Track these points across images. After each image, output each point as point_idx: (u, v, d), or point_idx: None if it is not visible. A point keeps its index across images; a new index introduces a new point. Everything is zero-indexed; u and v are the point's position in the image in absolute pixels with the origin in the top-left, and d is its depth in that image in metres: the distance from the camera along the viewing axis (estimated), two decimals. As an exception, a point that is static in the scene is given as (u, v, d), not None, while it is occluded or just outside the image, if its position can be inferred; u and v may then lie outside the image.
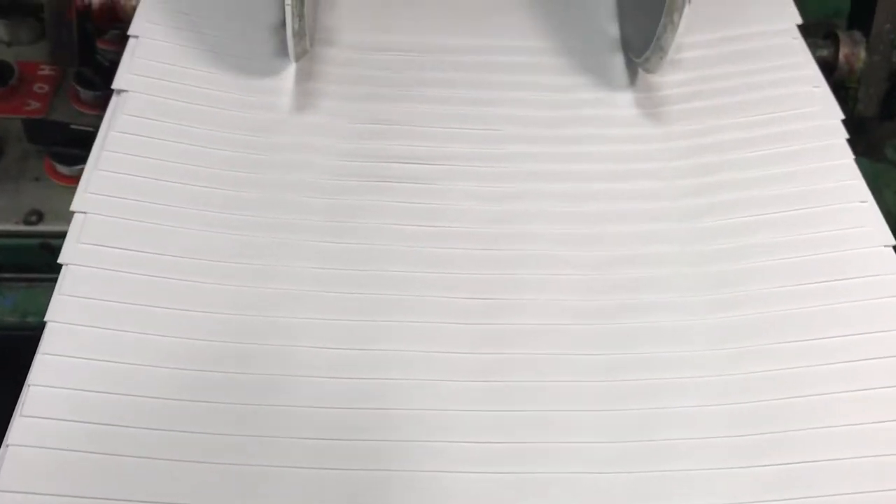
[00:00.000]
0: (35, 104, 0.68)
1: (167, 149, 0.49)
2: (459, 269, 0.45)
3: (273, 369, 0.41)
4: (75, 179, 0.60)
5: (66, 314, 0.41)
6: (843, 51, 0.60)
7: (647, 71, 0.53)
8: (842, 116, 0.53)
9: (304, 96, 0.53)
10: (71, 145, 0.63)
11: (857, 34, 0.61)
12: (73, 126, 0.63)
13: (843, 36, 0.61)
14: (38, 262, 0.62)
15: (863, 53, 0.60)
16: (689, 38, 0.56)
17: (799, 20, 0.59)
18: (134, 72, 0.52)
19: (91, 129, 0.57)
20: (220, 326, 0.42)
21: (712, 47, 0.58)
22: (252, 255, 0.45)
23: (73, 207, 0.46)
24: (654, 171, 0.51)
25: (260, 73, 0.54)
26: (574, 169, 0.50)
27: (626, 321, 0.43)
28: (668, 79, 0.55)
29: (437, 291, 0.44)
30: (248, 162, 0.49)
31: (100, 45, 0.65)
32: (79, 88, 0.67)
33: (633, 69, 0.57)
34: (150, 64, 0.53)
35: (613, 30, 0.60)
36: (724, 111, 0.54)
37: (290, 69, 0.55)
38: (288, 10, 0.47)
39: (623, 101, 0.55)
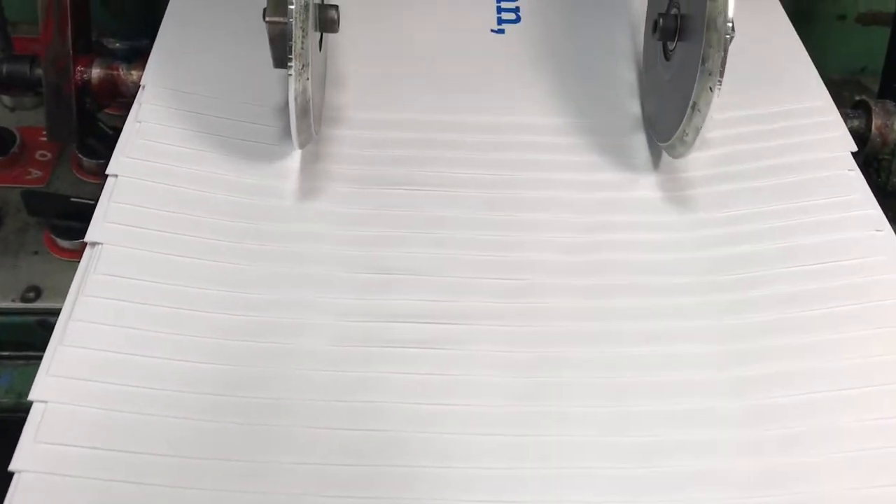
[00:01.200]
0: (37, 173, 0.66)
1: (144, 314, 0.42)
2: (479, 462, 0.39)
3: None
4: (76, 253, 0.58)
5: None
6: (876, 122, 0.57)
7: (672, 156, 0.50)
8: None
9: (305, 237, 0.47)
10: (71, 218, 0.61)
11: (891, 104, 0.58)
12: (73, 199, 0.61)
13: (875, 106, 0.58)
14: (36, 339, 0.60)
15: (897, 125, 0.57)
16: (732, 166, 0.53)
17: (854, 147, 0.54)
18: (110, 220, 0.46)
19: (92, 201, 0.55)
20: None
21: (759, 176, 0.52)
22: (239, 451, 0.38)
23: (31, 396, 0.39)
24: (695, 332, 0.44)
25: (258, 209, 0.48)
26: (607, 329, 0.44)
27: None
28: (706, 233, 0.49)
29: (452, 493, 0.38)
30: (237, 328, 0.43)
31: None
32: (81, 157, 0.65)
33: (656, 152, 0.53)
34: (129, 209, 0.46)
35: (635, 107, 0.57)
36: (776, 258, 0.47)
37: (293, 186, 0.50)
38: (293, 113, 0.44)
39: (655, 240, 0.49)
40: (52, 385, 0.39)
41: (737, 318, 0.45)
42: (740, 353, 0.43)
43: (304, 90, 0.44)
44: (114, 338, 0.41)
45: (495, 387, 0.42)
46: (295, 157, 0.51)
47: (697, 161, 0.52)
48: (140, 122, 0.51)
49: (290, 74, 0.43)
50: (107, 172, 0.48)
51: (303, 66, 0.44)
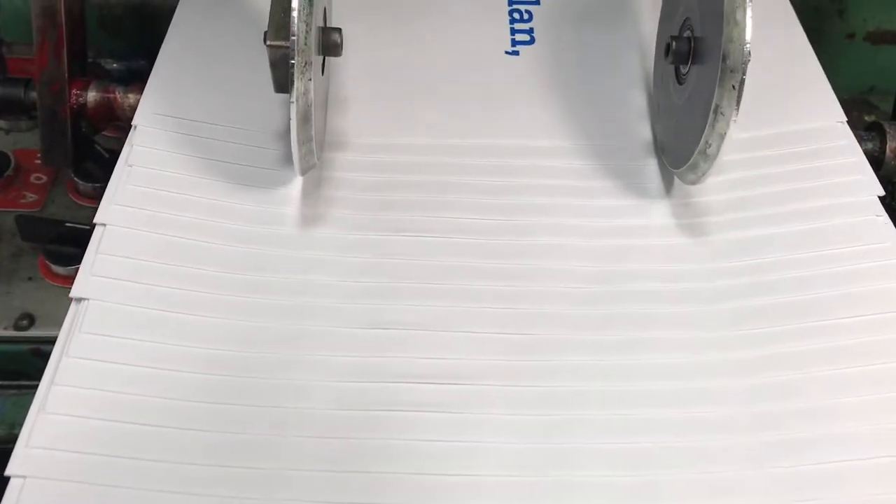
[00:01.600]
0: (32, 196, 0.65)
1: (133, 377, 0.39)
2: None
3: None
4: (71, 280, 0.57)
5: None
6: (891, 144, 0.56)
7: (691, 179, 0.48)
8: None
9: (303, 289, 0.45)
10: (66, 243, 0.59)
11: (905, 126, 0.57)
12: (68, 224, 0.60)
13: (889, 128, 0.56)
14: (29, 368, 0.58)
15: (912, 147, 0.56)
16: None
17: (881, 191, 0.51)
18: (97, 273, 0.43)
19: (88, 226, 0.54)
20: None
21: (782, 222, 0.49)
22: None
23: (9, 471, 0.36)
24: (719, 393, 0.42)
25: (254, 258, 0.46)
26: (625, 389, 0.41)
27: None
28: (728, 284, 0.46)
29: None
30: (229, 390, 0.40)
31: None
32: (77, 180, 0.64)
33: (673, 193, 0.51)
34: (118, 261, 0.44)
35: (645, 130, 0.54)
36: (804, 311, 0.45)
37: (293, 229, 0.47)
38: (294, 141, 0.42)
39: (673, 290, 0.46)
40: (32, 458, 0.36)
41: (764, 377, 0.42)
42: (768, 417, 0.41)
43: (307, 91, 0.41)
44: (100, 404, 0.38)
45: (505, 454, 0.39)
46: (294, 203, 0.49)
47: (716, 204, 0.50)
48: (131, 165, 0.49)
49: (292, 71, 0.40)
50: (94, 221, 0.46)
51: (305, 63, 0.41)
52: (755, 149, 0.52)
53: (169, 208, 0.47)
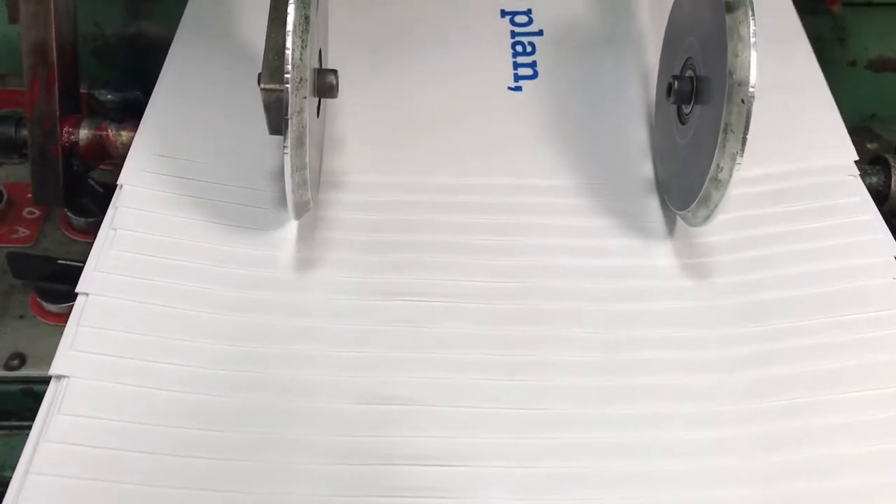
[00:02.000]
0: (24, 231, 0.64)
1: (115, 464, 0.38)
2: None
3: None
4: (63, 318, 0.56)
5: None
6: (896, 178, 0.55)
7: (699, 216, 0.46)
8: None
9: (293, 361, 0.43)
10: (58, 281, 0.58)
11: (910, 160, 0.56)
12: (60, 261, 0.59)
13: (894, 162, 0.56)
14: (20, 408, 0.57)
15: (917, 181, 0.55)
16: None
17: (895, 252, 0.49)
18: (78, 348, 0.41)
19: (80, 263, 0.53)
20: None
21: (795, 285, 0.48)
22: None
23: None
24: (737, 472, 0.40)
25: (242, 328, 0.44)
26: (638, 469, 0.40)
27: None
28: (741, 353, 0.45)
29: None
30: (212, 475, 0.38)
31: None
32: (70, 215, 0.63)
33: (679, 250, 0.50)
34: (100, 335, 0.42)
35: (647, 169, 0.53)
36: (820, 382, 0.43)
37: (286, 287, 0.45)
38: (289, 185, 0.41)
39: (684, 359, 0.44)
40: None
41: (782, 455, 0.41)
42: (784, 497, 0.39)
43: (301, 111, 0.40)
44: (78, 493, 0.37)
45: None
46: (286, 267, 0.47)
47: (725, 266, 0.48)
48: (115, 229, 0.47)
49: (287, 85, 0.38)
50: (77, 290, 0.44)
51: (300, 79, 0.39)
52: (764, 205, 0.51)
53: (154, 275, 0.45)
